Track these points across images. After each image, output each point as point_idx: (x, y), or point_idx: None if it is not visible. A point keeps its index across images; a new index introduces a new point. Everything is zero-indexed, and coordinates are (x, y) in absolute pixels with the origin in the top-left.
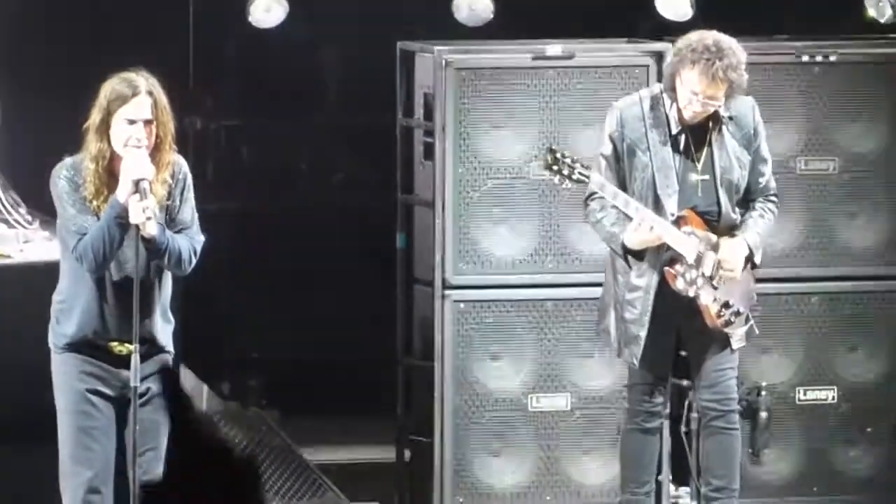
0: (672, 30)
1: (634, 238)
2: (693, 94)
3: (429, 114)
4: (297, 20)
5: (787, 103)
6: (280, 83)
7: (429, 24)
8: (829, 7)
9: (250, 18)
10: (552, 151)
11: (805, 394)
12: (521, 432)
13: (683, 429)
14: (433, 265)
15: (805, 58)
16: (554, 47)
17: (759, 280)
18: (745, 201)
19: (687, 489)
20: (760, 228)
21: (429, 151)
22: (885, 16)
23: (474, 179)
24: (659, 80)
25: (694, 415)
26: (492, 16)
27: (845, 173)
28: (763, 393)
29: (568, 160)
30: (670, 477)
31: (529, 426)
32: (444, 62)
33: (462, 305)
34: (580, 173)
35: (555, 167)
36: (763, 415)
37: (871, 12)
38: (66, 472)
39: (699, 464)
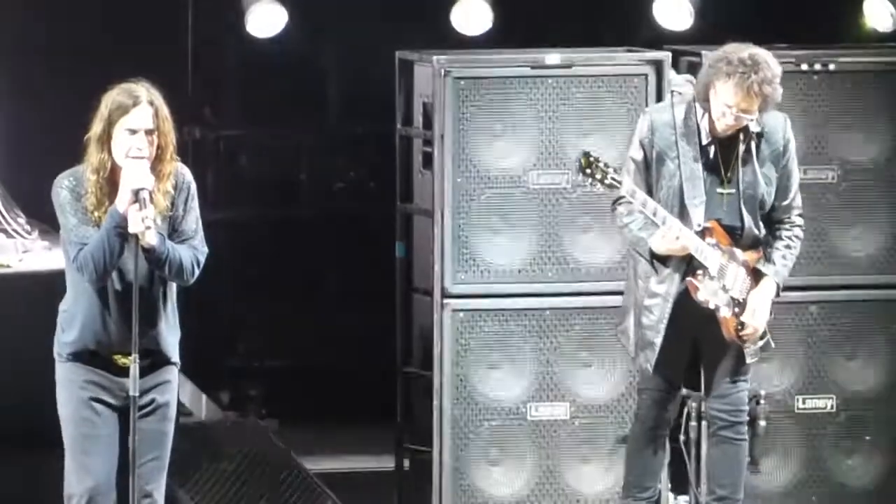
0: (670, 39)
1: (661, 245)
2: (727, 107)
3: (428, 123)
4: (296, 30)
5: (786, 112)
6: (279, 93)
7: (428, 33)
8: (828, 16)
9: (249, 28)
10: (587, 155)
11: (804, 402)
12: (521, 441)
13: (682, 437)
14: (432, 274)
15: (804, 66)
16: (552, 56)
17: None
18: (772, 220)
19: (686, 498)
20: (789, 262)
21: (428, 160)
22: (885, 24)
23: (473, 188)
24: (658, 89)
25: (693, 423)
26: (490, 25)
27: (844, 182)
28: (762, 401)
29: (601, 164)
30: (669, 486)
31: (528, 435)
32: (442, 71)
33: (461, 314)
34: (613, 178)
35: (588, 171)
36: (762, 423)
37: (871, 21)
38: (69, 479)
39: (698, 472)
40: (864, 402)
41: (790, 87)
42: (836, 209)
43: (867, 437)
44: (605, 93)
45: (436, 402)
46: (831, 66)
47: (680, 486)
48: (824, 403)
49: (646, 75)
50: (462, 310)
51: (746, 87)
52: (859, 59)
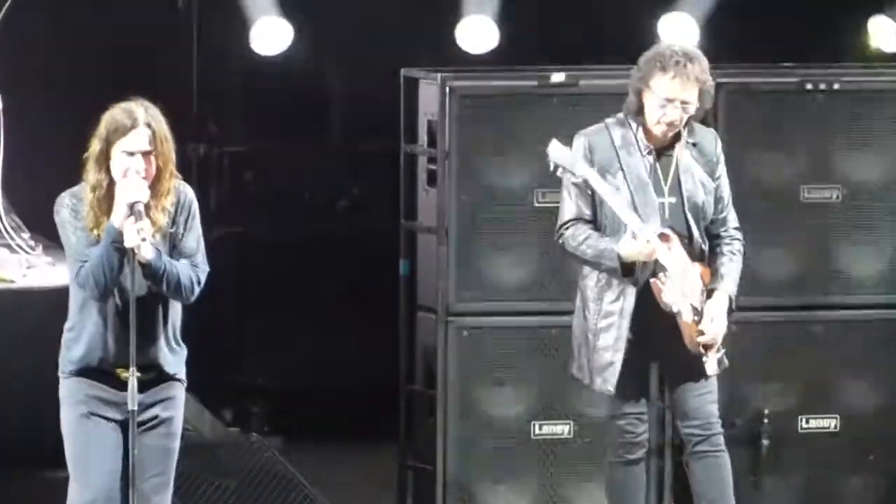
0: None
1: (632, 248)
2: (667, 101)
3: (432, 140)
4: (300, 47)
5: (791, 131)
6: (283, 110)
7: (433, 51)
8: (832, 35)
9: (253, 45)
10: (555, 142)
11: (807, 422)
12: (524, 459)
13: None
14: (436, 292)
15: (809, 86)
16: (558, 74)
17: (762, 308)
18: (710, 235)
19: None
20: (735, 274)
21: (432, 178)
22: (890, 44)
23: (478, 206)
24: None
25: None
26: (496, 43)
27: (848, 202)
28: (765, 421)
29: (569, 152)
30: None
31: (532, 453)
32: (447, 89)
33: (465, 332)
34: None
35: (557, 156)
36: (765, 442)
37: (876, 40)
38: (70, 494)
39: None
40: (868, 422)
41: (794, 107)
42: (841, 229)
43: (870, 457)
44: (611, 110)
45: (439, 421)
46: (836, 86)
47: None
48: (828, 423)
49: None
50: (466, 328)
51: (685, 75)
52: (864, 78)
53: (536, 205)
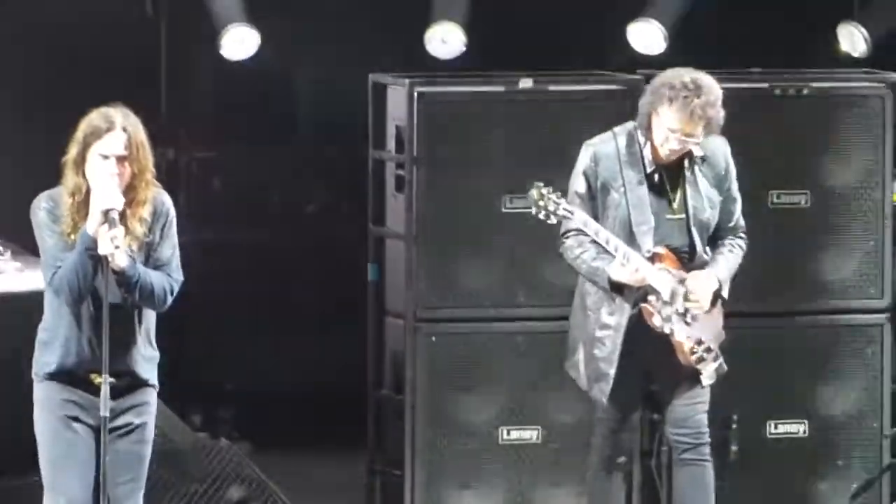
0: (644, 62)
1: (621, 273)
2: (671, 132)
3: (400, 146)
4: (269, 52)
5: (759, 136)
6: (252, 115)
7: (401, 56)
8: (802, 40)
9: (222, 51)
10: (537, 187)
11: (776, 427)
12: (492, 465)
13: (653, 462)
14: (405, 297)
15: (778, 91)
16: (526, 80)
17: (729, 314)
18: (714, 239)
19: None
20: (730, 264)
21: (400, 184)
22: (858, 50)
23: (446, 212)
24: (632, 113)
25: (664, 448)
26: (464, 48)
27: (817, 207)
28: (733, 426)
29: (553, 196)
30: None
31: (500, 459)
32: (415, 94)
33: (433, 338)
34: (565, 209)
35: (541, 202)
36: (733, 448)
37: (845, 46)
38: (46, 499)
39: (669, 497)
40: (837, 426)
41: (763, 112)
42: (809, 233)
43: (839, 462)
44: (579, 117)
45: (408, 426)
46: (805, 91)
47: None
48: (796, 428)
49: (619, 99)
50: (434, 333)
51: (690, 110)
52: (833, 83)
53: (504, 210)
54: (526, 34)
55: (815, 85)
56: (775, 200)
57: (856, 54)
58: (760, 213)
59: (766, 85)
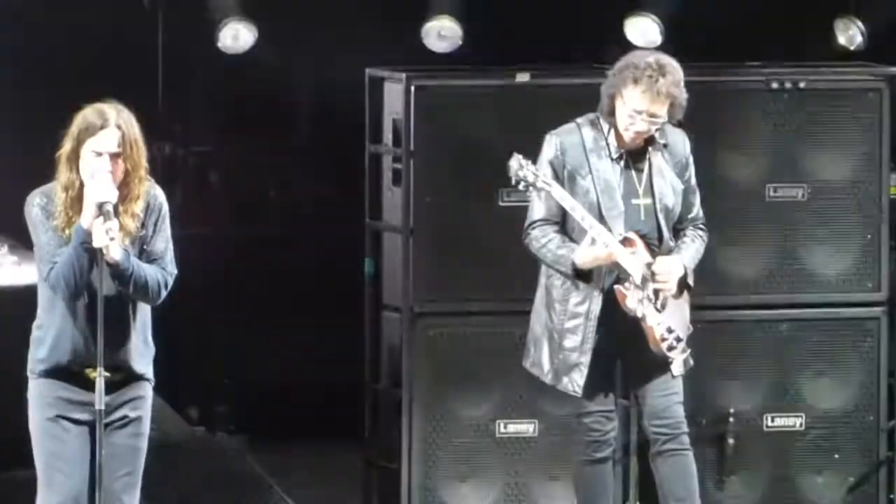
0: None
1: (588, 254)
2: (636, 113)
3: (397, 140)
4: (266, 46)
5: (757, 130)
6: (249, 109)
7: (398, 50)
8: (798, 34)
9: (219, 44)
10: (517, 158)
11: (773, 420)
12: (489, 458)
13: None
14: (402, 291)
15: (774, 84)
16: (523, 74)
17: (727, 307)
18: (676, 230)
19: None
20: (694, 252)
21: (397, 177)
22: (855, 43)
23: (443, 206)
24: None
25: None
26: (461, 43)
27: (814, 200)
28: (731, 419)
29: (533, 168)
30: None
31: (497, 452)
32: (412, 88)
33: (430, 332)
34: (543, 181)
35: (520, 172)
36: (730, 441)
37: (841, 39)
38: (40, 497)
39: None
40: (834, 420)
41: (760, 106)
42: (807, 227)
43: (836, 456)
44: (576, 110)
45: (404, 419)
46: (801, 85)
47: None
48: (793, 421)
49: None
50: (431, 327)
51: (655, 90)
52: (829, 77)
53: (501, 204)
54: (523, 28)
55: (811, 79)
56: (772, 194)
57: (852, 48)
58: (757, 207)
59: (762, 78)
